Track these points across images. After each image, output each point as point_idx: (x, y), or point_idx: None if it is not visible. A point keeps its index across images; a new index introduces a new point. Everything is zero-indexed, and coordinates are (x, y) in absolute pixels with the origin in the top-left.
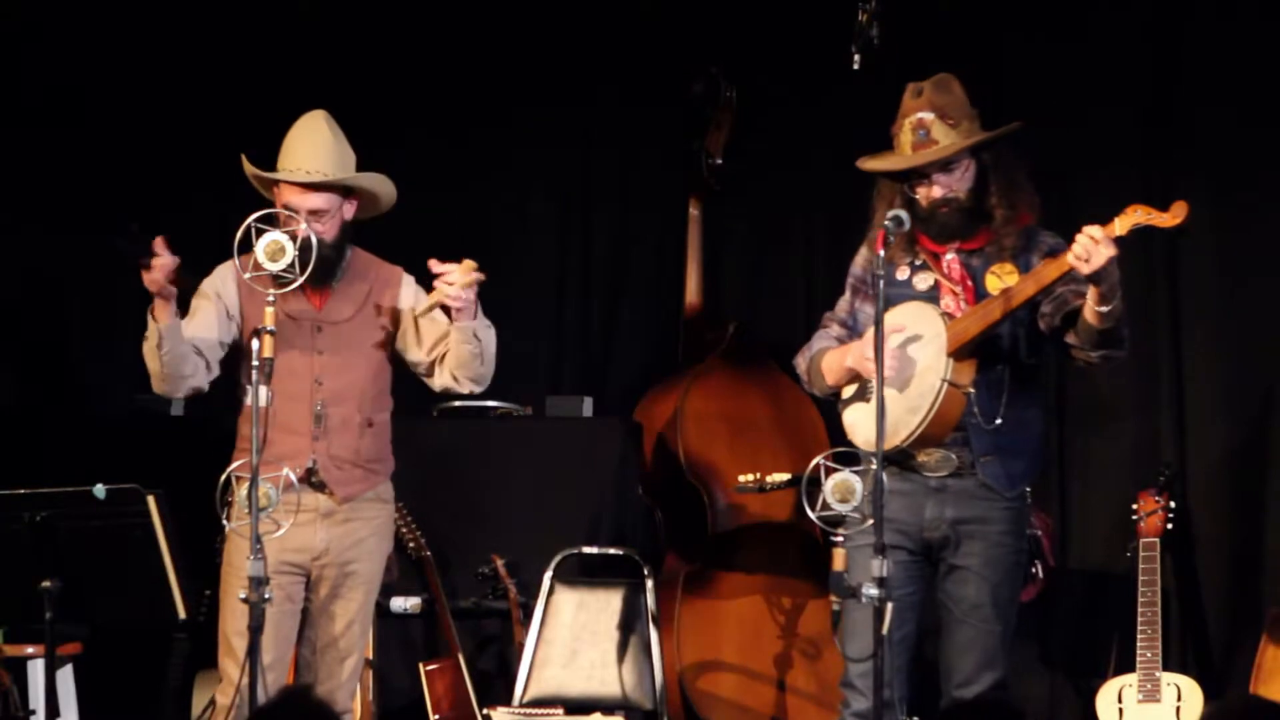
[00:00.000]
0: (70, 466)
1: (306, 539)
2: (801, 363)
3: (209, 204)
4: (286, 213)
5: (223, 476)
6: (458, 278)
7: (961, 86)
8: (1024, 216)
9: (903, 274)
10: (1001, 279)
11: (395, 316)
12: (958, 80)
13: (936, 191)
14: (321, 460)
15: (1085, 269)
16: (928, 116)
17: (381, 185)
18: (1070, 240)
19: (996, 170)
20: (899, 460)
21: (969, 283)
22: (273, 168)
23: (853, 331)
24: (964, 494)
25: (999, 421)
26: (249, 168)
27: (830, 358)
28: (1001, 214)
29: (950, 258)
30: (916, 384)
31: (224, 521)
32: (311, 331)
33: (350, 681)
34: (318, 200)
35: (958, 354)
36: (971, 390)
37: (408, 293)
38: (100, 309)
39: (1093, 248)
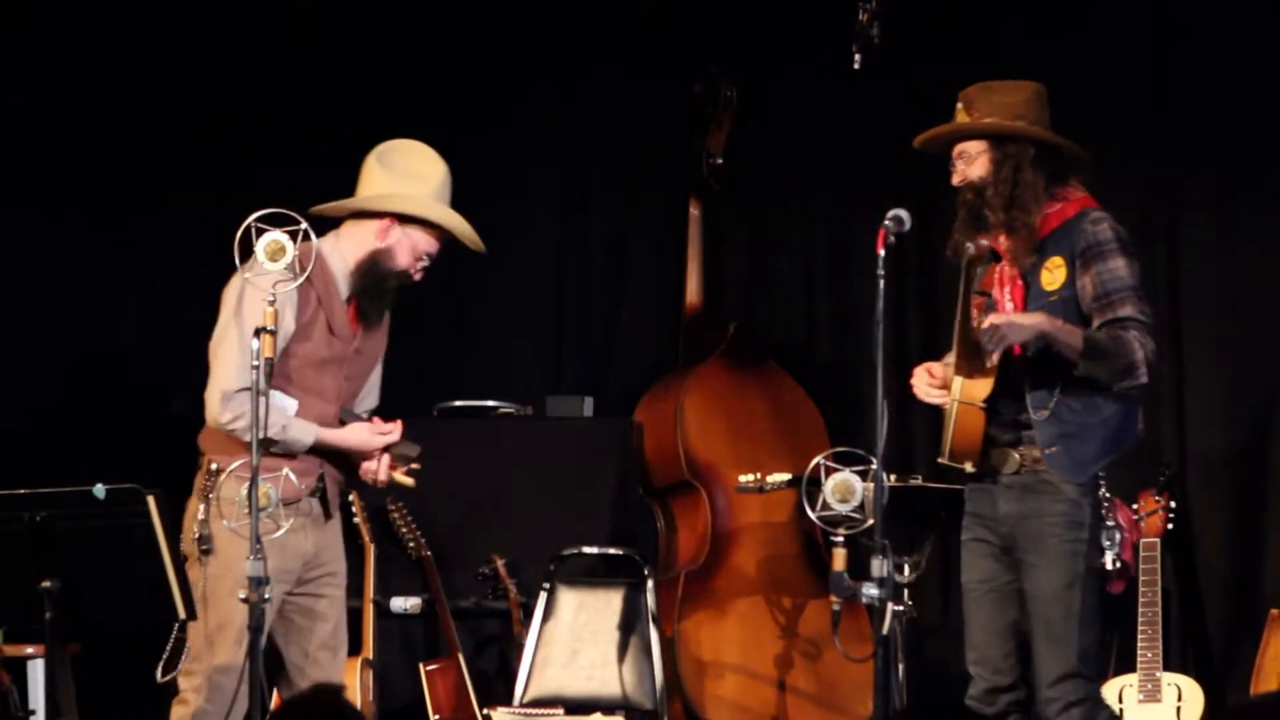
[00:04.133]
0: (70, 465)
1: (302, 545)
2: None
3: (207, 204)
4: (289, 213)
5: (223, 475)
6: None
7: (1030, 94)
8: (1043, 223)
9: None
10: (1052, 273)
11: (384, 342)
12: (1032, 88)
13: (955, 178)
14: (329, 482)
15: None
16: (959, 106)
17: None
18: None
19: (998, 169)
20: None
21: (1019, 281)
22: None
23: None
24: (1027, 490)
25: (1053, 410)
26: (445, 217)
27: None
28: (992, 216)
29: (1006, 260)
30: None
31: (199, 518)
32: (346, 358)
33: (341, 677)
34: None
35: (966, 371)
36: (984, 406)
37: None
38: (101, 305)
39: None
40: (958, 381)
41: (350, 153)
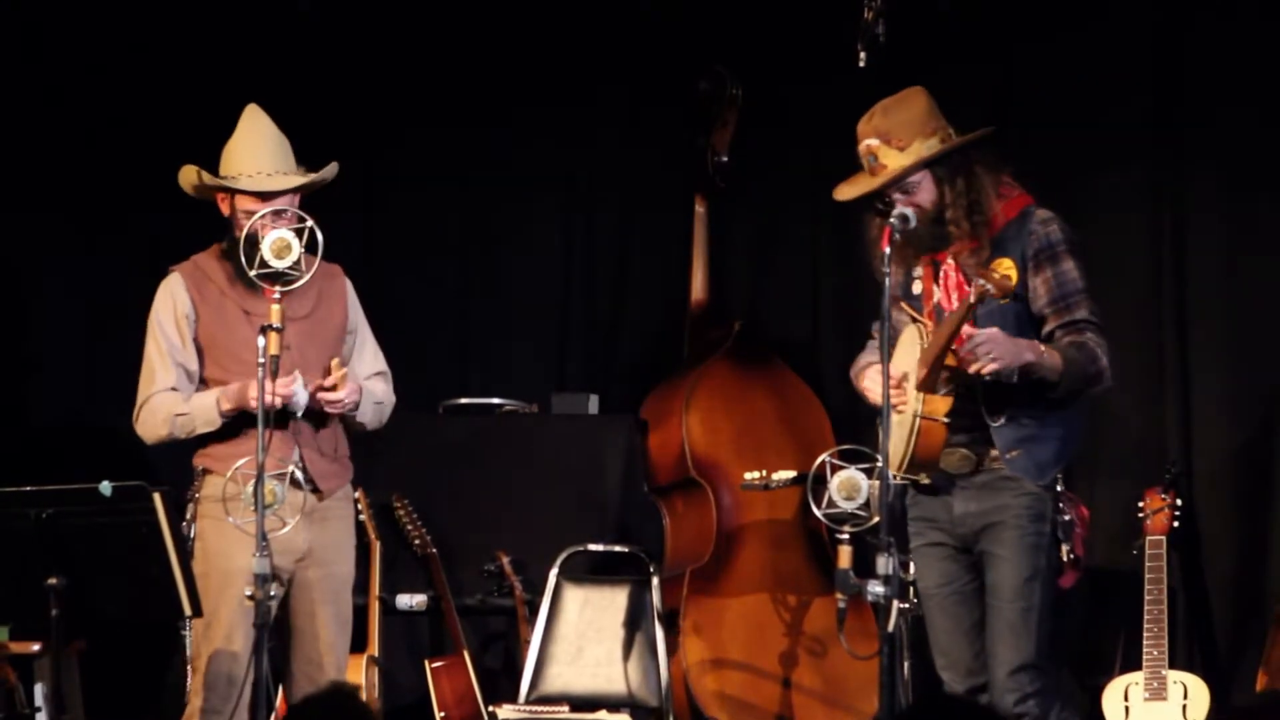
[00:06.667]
0: (75, 464)
1: (290, 540)
2: (852, 377)
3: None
4: (294, 210)
5: (228, 474)
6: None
7: (925, 100)
8: (995, 220)
9: (916, 288)
10: (1000, 273)
11: (346, 312)
12: (921, 94)
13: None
14: (307, 453)
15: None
16: (874, 143)
17: (330, 173)
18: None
19: (950, 185)
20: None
21: (965, 288)
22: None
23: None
24: (987, 488)
25: (1010, 415)
26: (209, 178)
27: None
28: (956, 230)
29: (950, 263)
30: (904, 416)
31: (187, 520)
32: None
33: (344, 676)
34: (281, 201)
35: (931, 387)
36: (946, 421)
37: (351, 292)
38: (101, 303)
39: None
40: (918, 396)
41: (351, 153)
